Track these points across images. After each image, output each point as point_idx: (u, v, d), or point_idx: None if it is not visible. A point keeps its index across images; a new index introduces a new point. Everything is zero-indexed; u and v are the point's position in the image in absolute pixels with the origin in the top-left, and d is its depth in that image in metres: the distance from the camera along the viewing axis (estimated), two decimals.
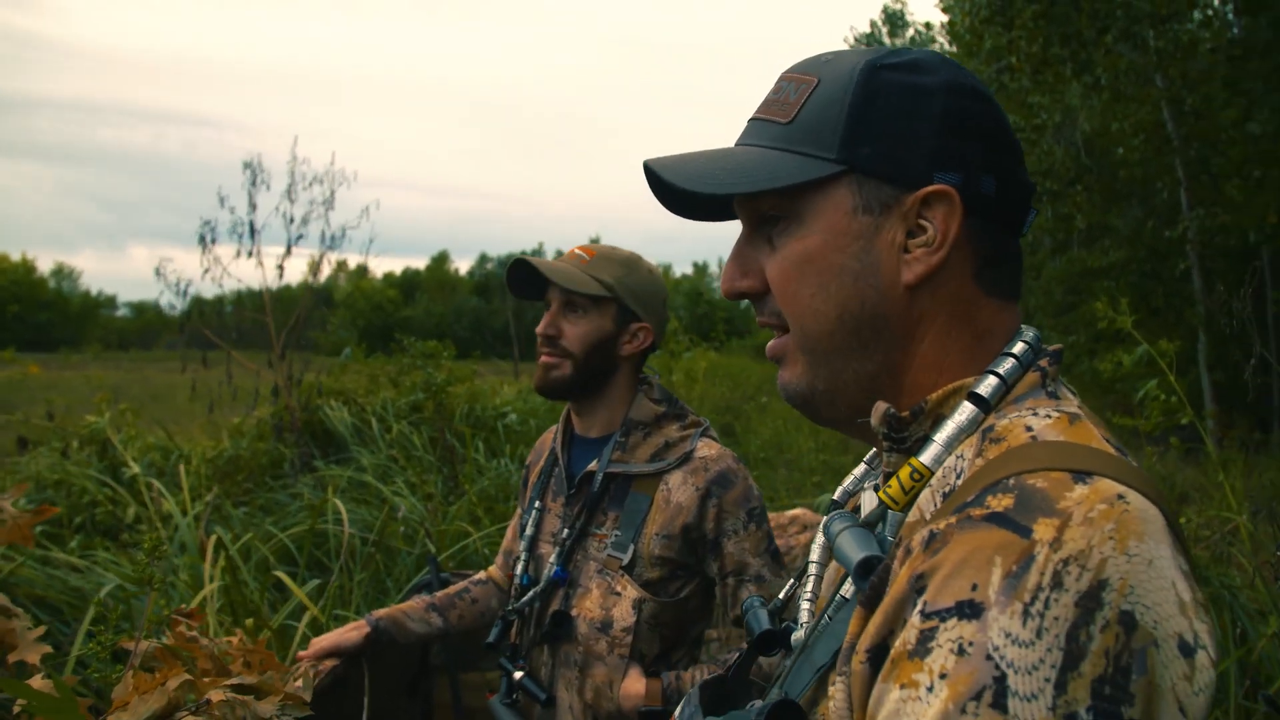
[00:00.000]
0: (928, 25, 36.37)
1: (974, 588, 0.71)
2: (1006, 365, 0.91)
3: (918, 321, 0.93)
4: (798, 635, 0.97)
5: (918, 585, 0.74)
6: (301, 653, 2.10)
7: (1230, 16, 12.54)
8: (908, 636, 0.73)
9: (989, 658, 0.68)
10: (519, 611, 2.05)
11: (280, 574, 3.56)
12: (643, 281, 2.06)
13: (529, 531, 2.11)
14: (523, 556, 2.09)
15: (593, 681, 1.92)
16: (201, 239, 6.87)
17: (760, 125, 0.98)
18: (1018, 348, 0.93)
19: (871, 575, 0.82)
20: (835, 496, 1.10)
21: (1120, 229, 15.66)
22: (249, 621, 2.32)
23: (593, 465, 2.04)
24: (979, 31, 11.73)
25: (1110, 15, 10.68)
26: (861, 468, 1.11)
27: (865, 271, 0.92)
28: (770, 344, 1.01)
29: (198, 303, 7.70)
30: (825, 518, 1.06)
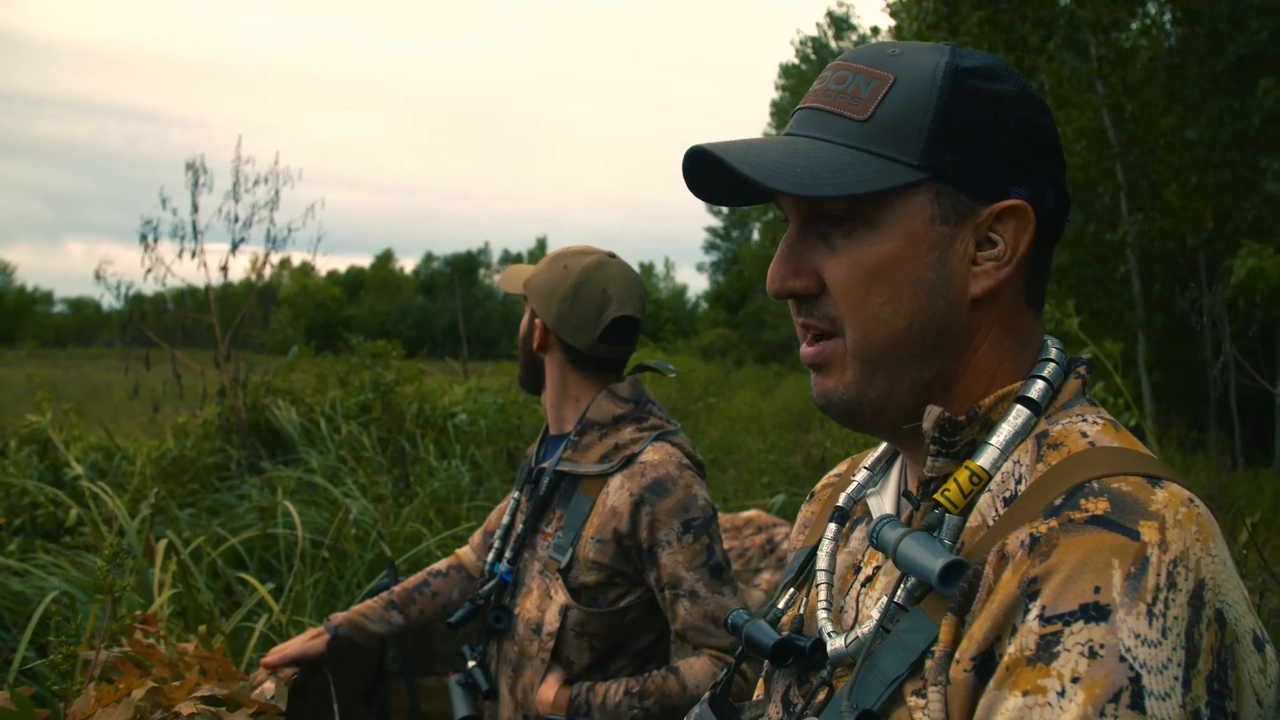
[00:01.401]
0: (874, 29, 36.72)
1: (1097, 590, 0.71)
2: (1050, 370, 0.92)
3: (975, 332, 0.92)
4: (835, 645, 0.93)
5: (1030, 589, 0.74)
6: (264, 659, 2.06)
7: (1168, 26, 12.80)
8: (1025, 642, 0.73)
9: (1122, 659, 0.68)
10: (485, 597, 2.05)
11: (245, 576, 3.51)
12: (546, 278, 2.03)
13: (504, 520, 2.13)
14: (496, 545, 2.11)
15: (522, 682, 1.91)
16: (143, 238, 6.77)
17: (825, 118, 0.92)
18: (1054, 354, 0.94)
19: (960, 580, 0.81)
20: (840, 503, 1.08)
21: (1063, 232, 15.92)
22: (203, 629, 2.27)
23: (547, 463, 2.04)
24: (925, 36, 11.85)
25: (1053, 23, 10.87)
26: (864, 473, 1.09)
27: (938, 283, 0.90)
28: (813, 349, 0.96)
29: (139, 301, 7.55)
30: (844, 525, 1.05)
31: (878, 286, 0.90)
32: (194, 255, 6.85)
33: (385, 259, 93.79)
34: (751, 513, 2.94)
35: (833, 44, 40.13)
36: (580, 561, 1.89)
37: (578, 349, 2.01)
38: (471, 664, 2.01)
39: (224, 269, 6.98)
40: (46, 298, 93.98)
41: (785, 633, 1.03)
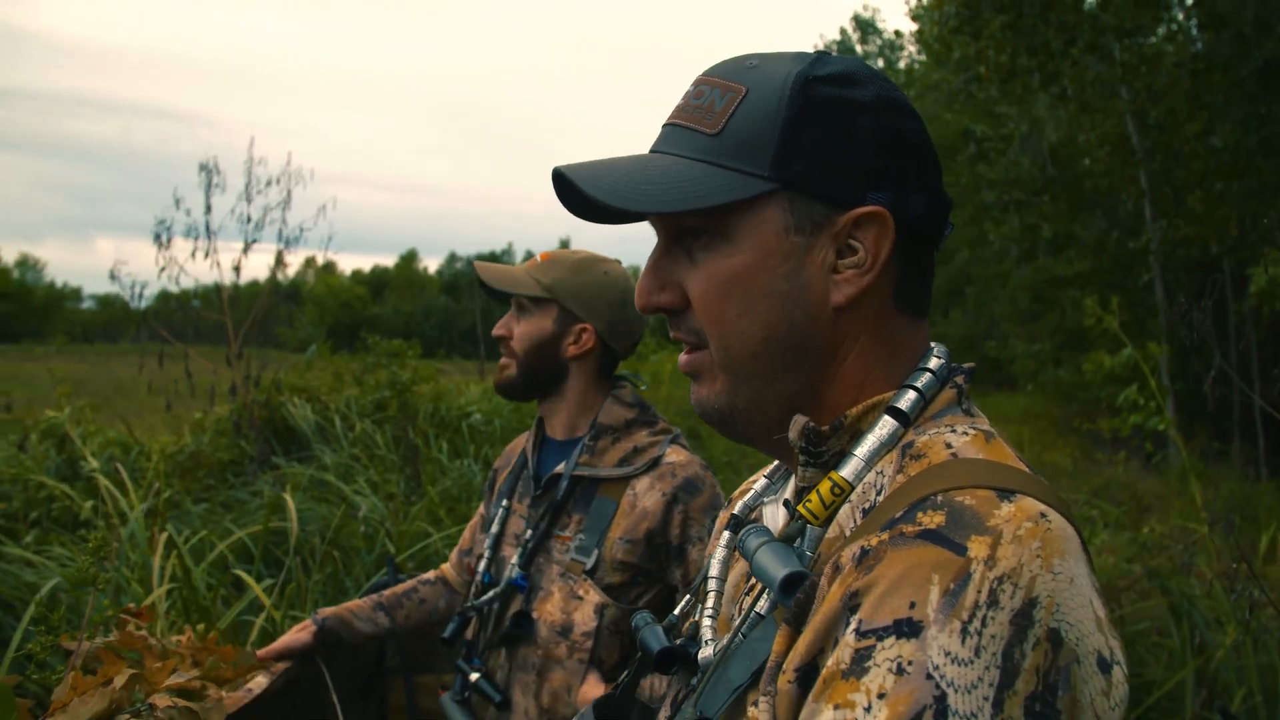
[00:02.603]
0: (898, 33, 36.63)
1: (912, 605, 0.70)
2: (923, 380, 0.90)
3: (841, 341, 0.91)
4: (705, 653, 0.94)
5: (851, 603, 0.73)
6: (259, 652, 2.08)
7: (1194, 31, 12.70)
8: (841, 655, 0.71)
9: (929, 677, 0.67)
10: (477, 609, 2.04)
11: (239, 572, 3.53)
12: (587, 283, 2.04)
13: (494, 530, 2.11)
14: (486, 555, 2.09)
15: (550, 686, 1.91)
16: (157, 238, 6.82)
17: (682, 133, 0.92)
18: (933, 363, 0.92)
19: (797, 591, 0.80)
20: (735, 511, 1.07)
21: (1085, 239, 15.83)
22: (200, 626, 2.29)
23: (560, 467, 2.04)
24: (948, 41, 11.83)
25: (1077, 27, 10.81)
26: (762, 481, 1.08)
27: (794, 293, 0.89)
28: (685, 358, 0.97)
29: (163, 298, 7.62)
30: (737, 533, 1.04)
31: (732, 299, 0.90)
32: (207, 255, 6.90)
33: (409, 259, 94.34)
34: None
35: (858, 48, 40.01)
36: (606, 562, 1.91)
37: (615, 355, 2.07)
38: (475, 676, 2.00)
39: (236, 268, 7.03)
40: (75, 294, 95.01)
41: (679, 640, 1.03)
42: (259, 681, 1.88)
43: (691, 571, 1.91)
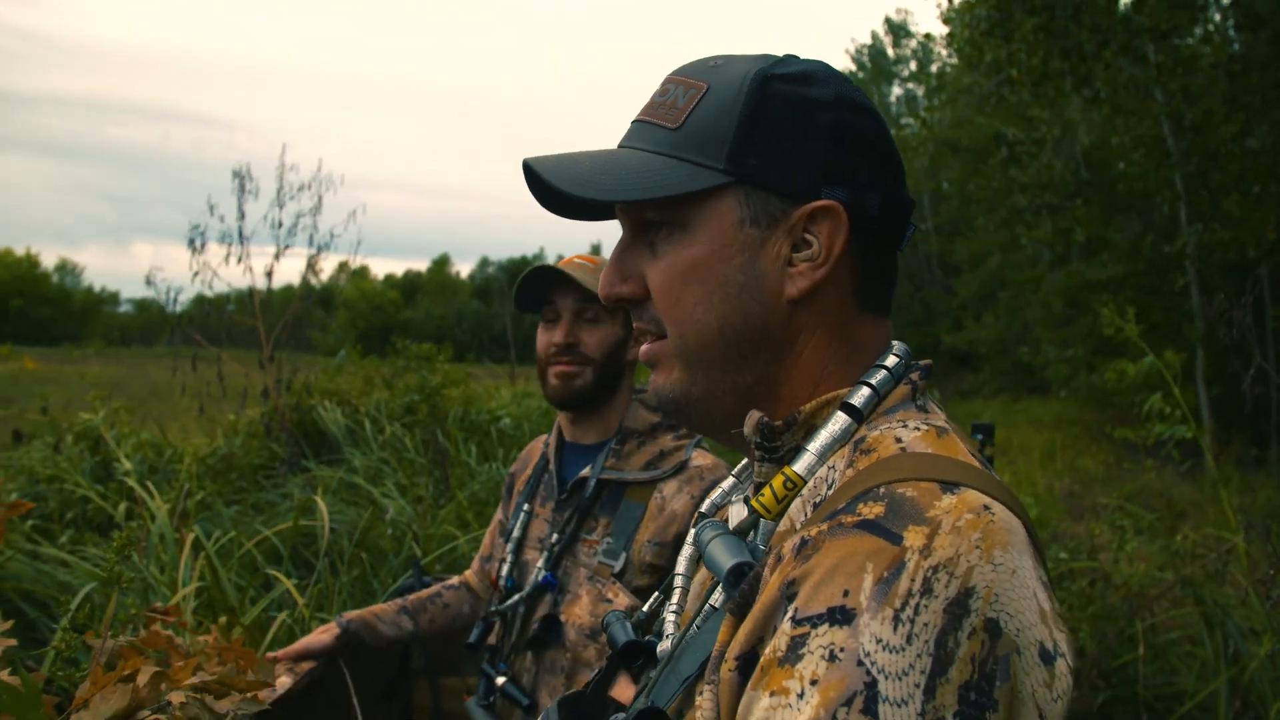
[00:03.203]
0: (928, 36, 36.46)
1: (845, 593, 0.71)
2: (878, 377, 0.91)
3: (796, 335, 0.93)
4: (663, 646, 0.96)
5: (789, 592, 0.74)
6: (271, 653, 2.10)
7: (1230, 32, 12.56)
8: (778, 643, 0.72)
9: (860, 663, 0.68)
10: (501, 614, 2.05)
11: (272, 571, 3.56)
12: None
13: (515, 535, 2.12)
14: (508, 559, 2.10)
15: (578, 688, 1.92)
16: (191, 243, 6.92)
17: (646, 128, 0.95)
18: (889, 360, 0.93)
19: (742, 583, 0.82)
20: (703, 509, 1.09)
21: (1119, 243, 15.69)
22: (222, 620, 2.31)
23: (586, 471, 2.04)
24: (979, 44, 11.74)
25: (1110, 29, 10.70)
26: (729, 480, 1.10)
27: (749, 284, 0.91)
28: (644, 348, 1.00)
29: (198, 302, 7.73)
30: (694, 528, 1.05)
31: (689, 288, 0.92)
32: (240, 260, 6.99)
33: (441, 263, 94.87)
34: None
35: (890, 52, 39.86)
36: (634, 565, 1.92)
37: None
38: (501, 680, 2.01)
39: (269, 273, 7.11)
40: (113, 298, 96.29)
41: (649, 635, 1.06)
42: (283, 681, 1.90)
43: None
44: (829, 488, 0.85)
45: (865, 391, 0.90)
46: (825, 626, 0.70)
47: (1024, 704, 0.70)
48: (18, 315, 75.41)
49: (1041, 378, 22.29)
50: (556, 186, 0.91)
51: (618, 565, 1.93)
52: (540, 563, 2.02)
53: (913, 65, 39.62)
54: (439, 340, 8.63)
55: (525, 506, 2.14)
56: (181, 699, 1.25)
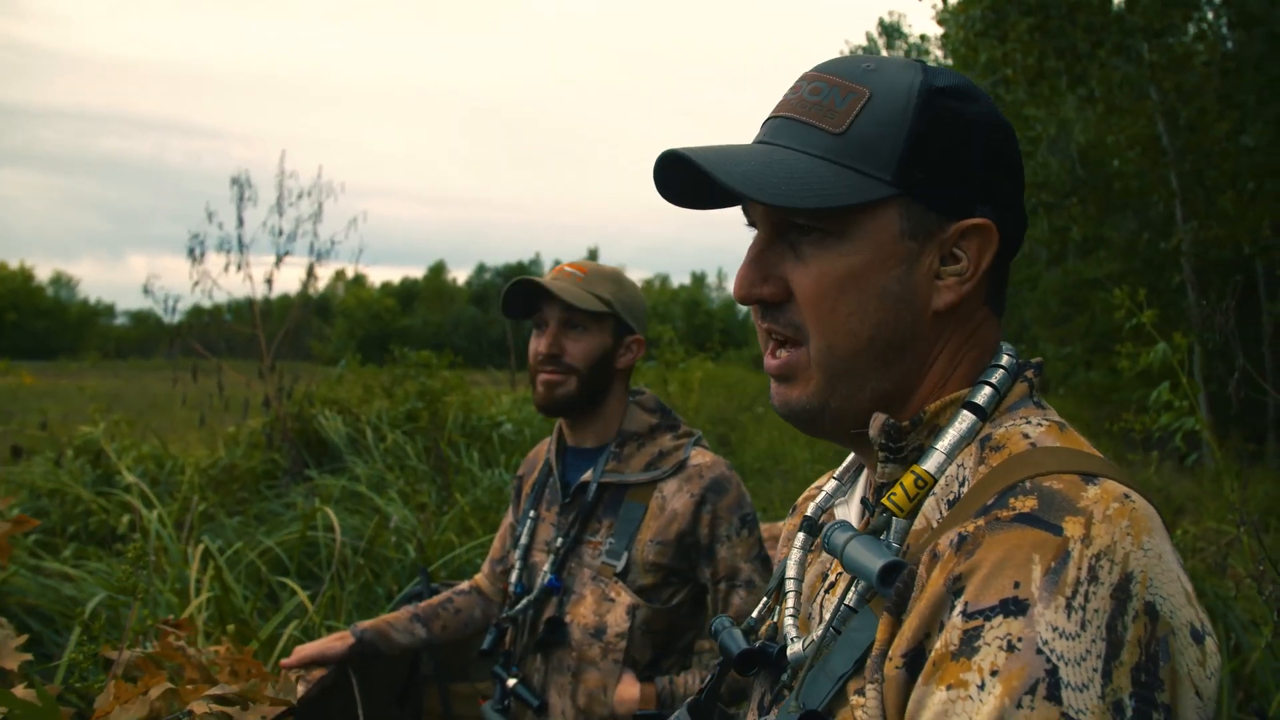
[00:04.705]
0: (923, 37, 36.47)
1: (1016, 585, 0.73)
2: (998, 376, 0.93)
3: (934, 343, 0.94)
4: (794, 650, 0.96)
5: (955, 587, 0.76)
6: (284, 660, 2.11)
7: (1224, 30, 12.57)
8: (950, 638, 0.74)
9: (1039, 651, 0.70)
10: (512, 619, 2.08)
11: (286, 581, 3.56)
12: (631, 296, 2.11)
13: (523, 540, 2.14)
14: (517, 565, 2.13)
15: (585, 687, 1.94)
16: (190, 252, 6.89)
17: (799, 129, 0.94)
18: (1004, 360, 0.96)
19: (895, 581, 0.83)
20: (809, 513, 1.10)
21: (1115, 241, 15.70)
22: (230, 629, 2.32)
23: (587, 475, 2.07)
24: (974, 44, 11.75)
25: (1105, 28, 10.71)
26: (832, 483, 1.11)
27: (904, 295, 0.92)
28: (776, 361, 0.97)
29: (197, 312, 7.70)
30: (812, 534, 1.08)
31: (845, 297, 0.92)
32: (239, 269, 6.96)
33: (438, 270, 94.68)
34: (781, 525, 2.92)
35: (884, 52, 39.89)
36: (637, 565, 1.96)
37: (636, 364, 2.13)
38: (512, 682, 2.04)
39: (269, 282, 7.08)
40: (109, 310, 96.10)
41: (760, 641, 1.05)
42: (297, 689, 1.90)
43: (720, 570, 1.96)
44: (961, 485, 0.87)
45: (987, 390, 0.92)
46: (1000, 618, 0.72)
47: (1182, 682, 0.72)
48: (13, 329, 75.27)
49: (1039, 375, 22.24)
50: (728, 185, 0.88)
51: (620, 565, 1.96)
52: (546, 566, 2.04)
53: None
54: (437, 347, 8.60)
55: (531, 512, 2.17)
56: (204, 709, 1.25)
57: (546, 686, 2.01)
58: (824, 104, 0.93)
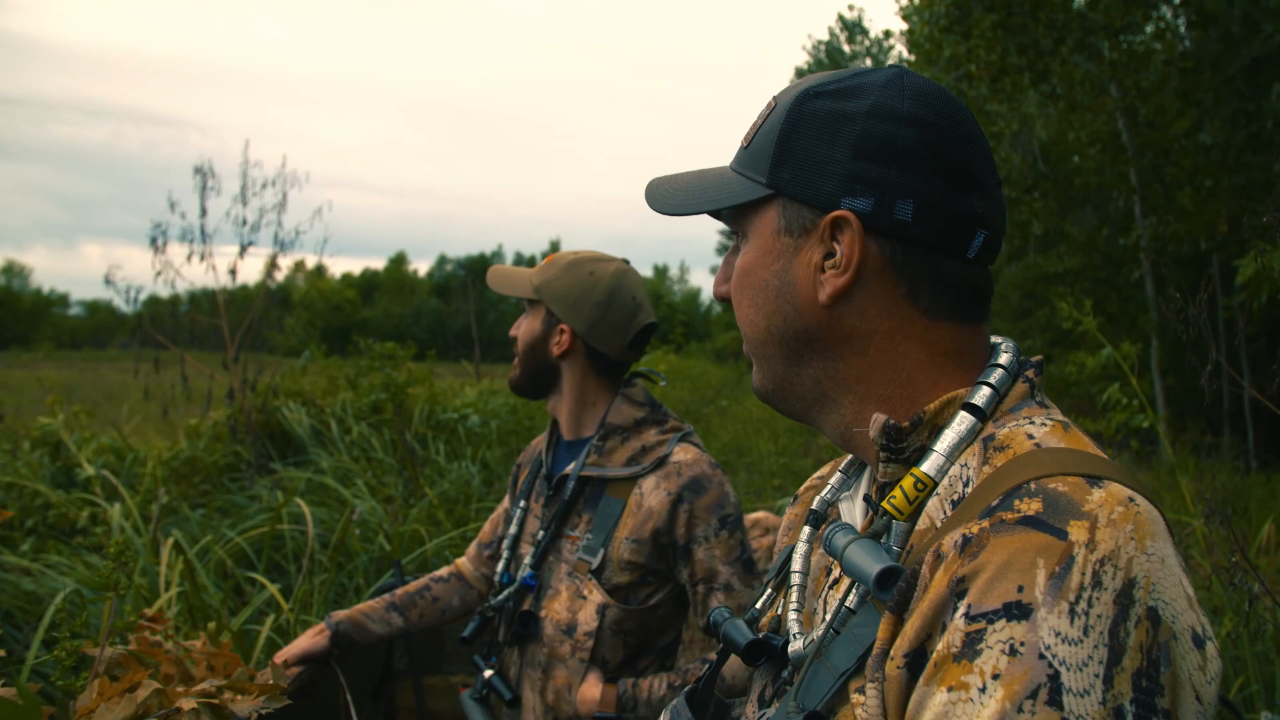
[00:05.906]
0: (886, 33, 36.70)
1: (1020, 589, 0.73)
2: (996, 375, 0.93)
3: (849, 337, 0.96)
4: (795, 647, 0.97)
5: (958, 589, 0.76)
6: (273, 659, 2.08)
7: (1182, 30, 12.75)
8: (951, 639, 0.74)
9: (1041, 656, 0.70)
10: (497, 609, 2.06)
11: (256, 575, 3.52)
12: (570, 284, 2.04)
13: (512, 531, 2.13)
14: (505, 555, 2.11)
15: (554, 684, 1.92)
16: (153, 241, 6.80)
17: (739, 149, 1.04)
18: (1004, 359, 0.96)
19: (893, 587, 0.83)
20: (814, 507, 1.10)
21: (1075, 236, 15.89)
22: (211, 625, 2.29)
23: (569, 468, 2.05)
24: (938, 40, 11.84)
25: (1066, 26, 10.83)
26: (838, 477, 1.11)
27: (784, 288, 0.98)
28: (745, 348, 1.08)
29: (154, 303, 7.59)
30: (817, 528, 1.08)
31: (743, 291, 1.02)
32: (203, 258, 6.88)
33: (399, 261, 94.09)
34: (758, 514, 2.91)
35: (845, 48, 40.06)
36: (613, 562, 1.92)
37: (605, 356, 2.05)
38: (488, 673, 2.02)
39: (233, 272, 7.00)
40: (63, 300, 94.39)
41: (763, 633, 1.05)
42: (285, 675, 1.88)
43: (698, 571, 1.92)
44: (964, 485, 0.87)
45: (986, 391, 0.92)
46: (1002, 622, 0.72)
47: (1183, 687, 0.72)
48: None
49: None
50: (652, 207, 1.06)
51: (595, 561, 1.93)
52: (527, 560, 2.03)
53: (868, 62, 39.85)
54: (399, 339, 8.55)
55: (522, 503, 2.16)
56: (190, 705, 1.23)
57: (520, 680, 1.99)
58: (754, 122, 1.02)
